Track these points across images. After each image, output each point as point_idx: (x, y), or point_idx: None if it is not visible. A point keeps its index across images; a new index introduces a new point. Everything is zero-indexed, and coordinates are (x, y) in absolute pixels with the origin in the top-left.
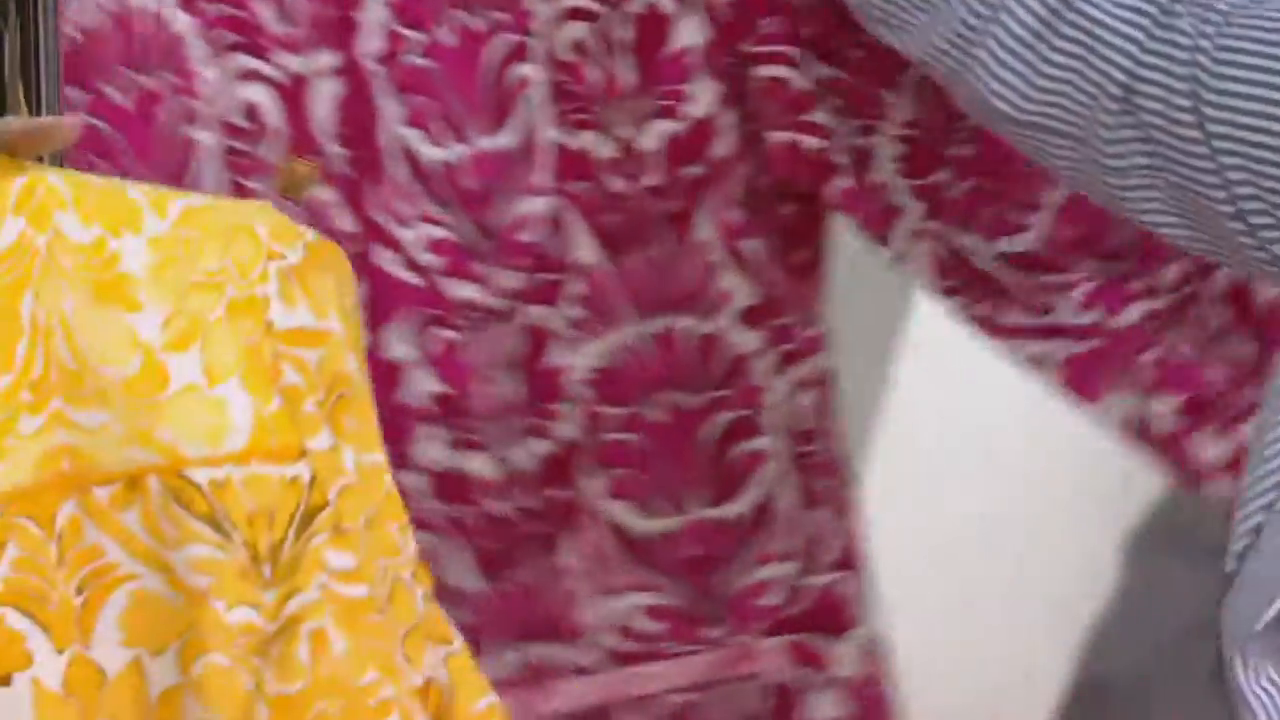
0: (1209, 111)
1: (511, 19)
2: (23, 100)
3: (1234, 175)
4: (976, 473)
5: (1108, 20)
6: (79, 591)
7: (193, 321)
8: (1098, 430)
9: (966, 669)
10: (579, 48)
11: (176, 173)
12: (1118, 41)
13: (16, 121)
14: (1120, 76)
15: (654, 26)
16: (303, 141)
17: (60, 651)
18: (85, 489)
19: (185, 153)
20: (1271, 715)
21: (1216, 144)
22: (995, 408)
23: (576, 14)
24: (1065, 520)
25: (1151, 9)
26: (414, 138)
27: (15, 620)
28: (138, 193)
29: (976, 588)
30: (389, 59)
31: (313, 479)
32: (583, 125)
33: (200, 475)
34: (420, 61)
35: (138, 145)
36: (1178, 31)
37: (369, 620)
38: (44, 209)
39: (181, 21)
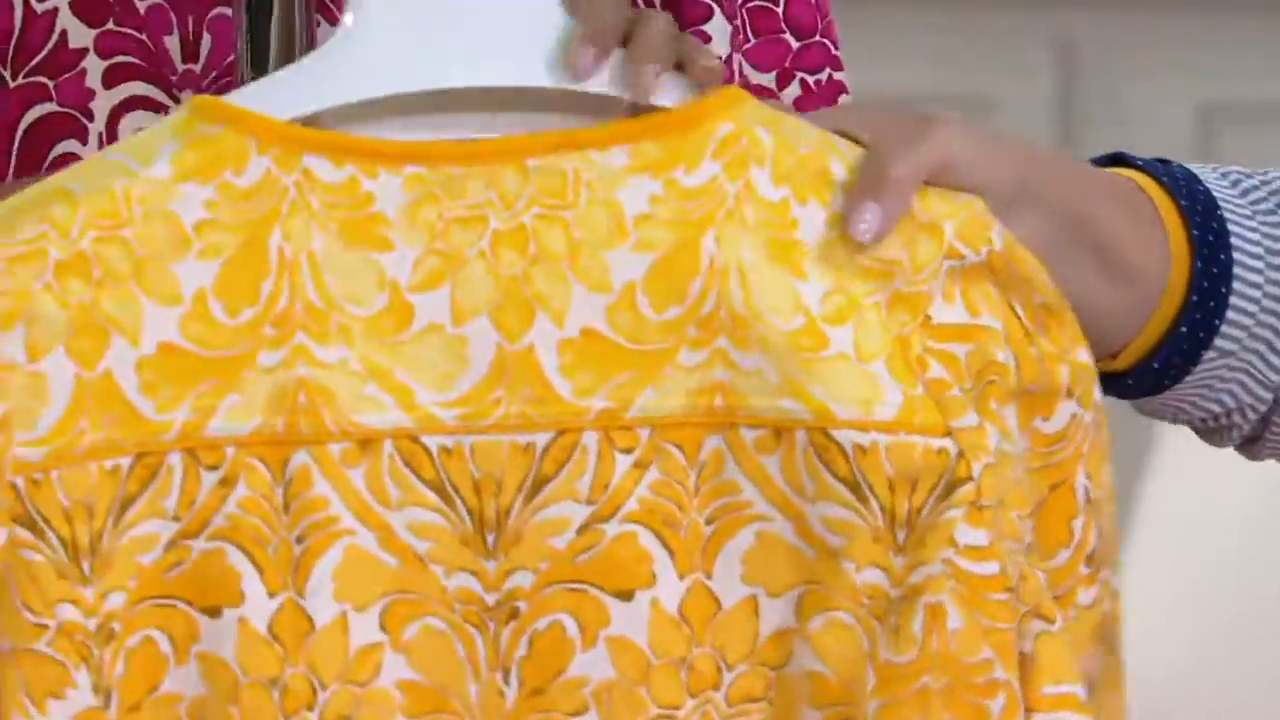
0: None
1: None
2: None
3: None
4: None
5: None
6: (709, 522)
7: (850, 301)
8: None
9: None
10: None
11: None
12: None
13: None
14: None
15: None
16: None
17: (682, 577)
18: (734, 427)
19: None
20: None
21: None
22: None
23: None
24: None
25: None
26: None
27: (646, 539)
28: (840, 166)
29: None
30: None
31: (960, 453)
32: None
33: (846, 437)
34: None
35: None
36: None
37: (994, 598)
38: (742, 159)
39: None
